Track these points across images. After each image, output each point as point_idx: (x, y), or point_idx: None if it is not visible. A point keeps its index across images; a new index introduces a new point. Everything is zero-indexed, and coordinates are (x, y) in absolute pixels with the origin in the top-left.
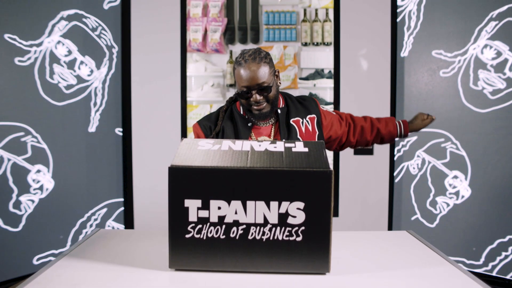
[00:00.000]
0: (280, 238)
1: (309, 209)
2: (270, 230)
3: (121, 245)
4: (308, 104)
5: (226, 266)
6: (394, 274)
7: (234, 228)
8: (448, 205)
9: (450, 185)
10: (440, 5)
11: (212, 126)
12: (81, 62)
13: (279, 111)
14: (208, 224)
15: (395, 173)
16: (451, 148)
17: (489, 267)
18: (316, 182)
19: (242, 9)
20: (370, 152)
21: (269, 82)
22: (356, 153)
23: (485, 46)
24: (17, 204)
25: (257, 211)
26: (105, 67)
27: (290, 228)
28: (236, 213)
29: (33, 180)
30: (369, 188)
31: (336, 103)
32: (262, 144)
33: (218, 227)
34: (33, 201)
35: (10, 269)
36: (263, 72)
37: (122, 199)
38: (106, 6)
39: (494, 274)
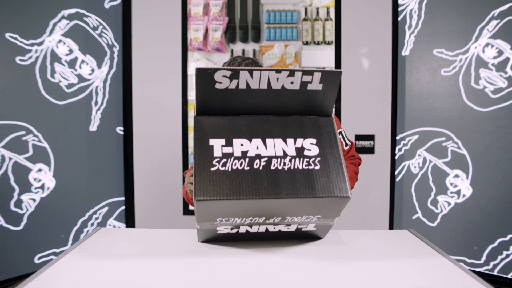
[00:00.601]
0: (300, 167)
1: (320, 144)
2: (290, 160)
3: (122, 244)
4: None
5: (251, 194)
6: (394, 273)
7: (257, 161)
8: (449, 204)
9: (451, 184)
10: (442, 3)
11: None
12: (82, 61)
13: None
14: (232, 158)
15: (396, 172)
16: (452, 147)
17: (491, 266)
18: (322, 124)
19: (243, 8)
20: (371, 151)
21: None
22: (357, 152)
23: (487, 44)
24: (19, 203)
25: (276, 146)
26: (106, 66)
27: (307, 159)
28: (257, 148)
29: (35, 179)
30: (370, 187)
31: (337, 102)
32: (280, 79)
33: (242, 160)
34: (34, 200)
35: (12, 268)
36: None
37: (123, 198)
38: (107, 5)
39: (495, 273)
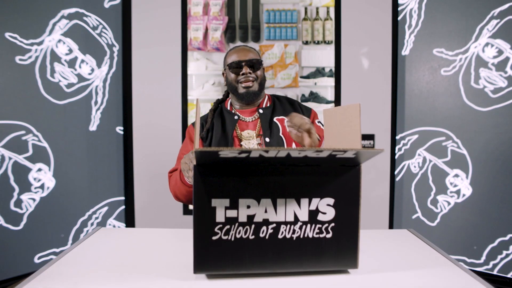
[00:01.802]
0: (310, 235)
1: (339, 205)
2: (300, 228)
3: (122, 244)
4: (300, 108)
5: (255, 267)
6: (394, 272)
7: (264, 228)
8: (449, 203)
9: (451, 183)
10: (441, 3)
11: (204, 123)
12: (82, 61)
13: (260, 111)
14: (237, 224)
15: (396, 172)
16: (452, 146)
17: (490, 266)
18: (345, 177)
19: (243, 8)
20: None
21: (259, 60)
22: None
23: (487, 44)
24: (18, 203)
25: (287, 209)
26: (106, 65)
27: (320, 225)
28: (266, 211)
29: (34, 179)
30: (370, 187)
31: (337, 101)
32: (303, 151)
33: (247, 227)
34: (34, 200)
35: (11, 268)
36: (253, 52)
37: (123, 198)
38: (107, 5)
39: (495, 272)
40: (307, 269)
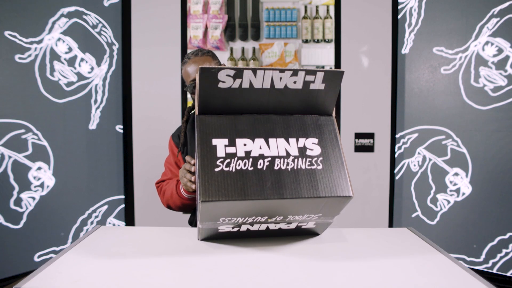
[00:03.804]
0: (303, 167)
1: (322, 143)
2: (293, 160)
3: (122, 242)
4: None
5: (256, 194)
6: (394, 271)
7: (261, 161)
8: (448, 202)
9: (450, 182)
10: (442, 1)
11: (179, 135)
12: (82, 59)
13: None
14: (236, 158)
15: (395, 170)
16: (452, 145)
17: (490, 264)
18: (324, 123)
19: (243, 6)
20: (371, 149)
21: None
22: (356, 150)
23: (486, 43)
24: (18, 201)
25: (279, 146)
26: (105, 64)
27: (310, 159)
28: (260, 148)
29: (34, 177)
30: (369, 185)
31: (337, 100)
32: (283, 78)
33: (246, 160)
34: (34, 198)
35: (11, 266)
36: (207, 63)
37: (122, 196)
38: (106, 3)
39: (494, 271)
40: (305, 196)
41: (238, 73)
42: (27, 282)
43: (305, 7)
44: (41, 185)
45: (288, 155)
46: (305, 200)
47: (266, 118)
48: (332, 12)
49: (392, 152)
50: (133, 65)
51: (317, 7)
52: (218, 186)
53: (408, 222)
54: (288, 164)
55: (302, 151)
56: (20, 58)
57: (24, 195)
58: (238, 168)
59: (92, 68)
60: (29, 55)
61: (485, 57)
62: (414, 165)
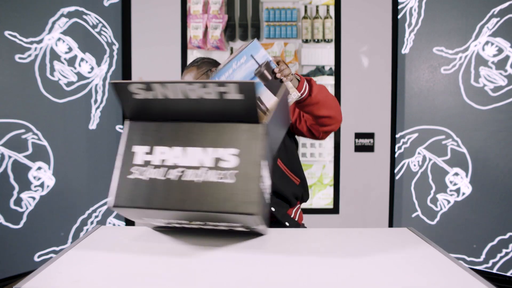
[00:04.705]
0: (213, 180)
1: (242, 155)
2: (205, 172)
3: (122, 242)
4: None
5: (160, 204)
6: (394, 271)
7: (173, 170)
8: (448, 202)
9: (450, 182)
10: (441, 1)
11: None
12: (82, 59)
13: None
14: (150, 166)
15: (395, 170)
16: (452, 145)
17: (490, 264)
18: (249, 132)
19: (243, 6)
20: (371, 149)
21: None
22: (356, 150)
23: (487, 43)
24: (18, 201)
25: (196, 156)
26: (105, 64)
27: (223, 171)
28: (176, 157)
29: (34, 177)
30: (369, 185)
31: (337, 100)
32: (195, 90)
33: (158, 169)
34: (34, 198)
35: (11, 266)
36: (190, 76)
37: None
38: (106, 3)
39: (494, 271)
40: (205, 210)
41: (148, 87)
42: (27, 282)
43: (305, 7)
44: (41, 185)
45: (201, 165)
46: (208, 213)
47: (189, 127)
48: (332, 12)
49: (392, 152)
50: (133, 65)
51: (317, 7)
52: (129, 193)
53: (408, 222)
54: (197, 175)
55: (217, 162)
56: (20, 58)
57: (24, 195)
58: (150, 176)
59: (92, 68)
60: (29, 55)
61: (485, 57)
62: (414, 165)
